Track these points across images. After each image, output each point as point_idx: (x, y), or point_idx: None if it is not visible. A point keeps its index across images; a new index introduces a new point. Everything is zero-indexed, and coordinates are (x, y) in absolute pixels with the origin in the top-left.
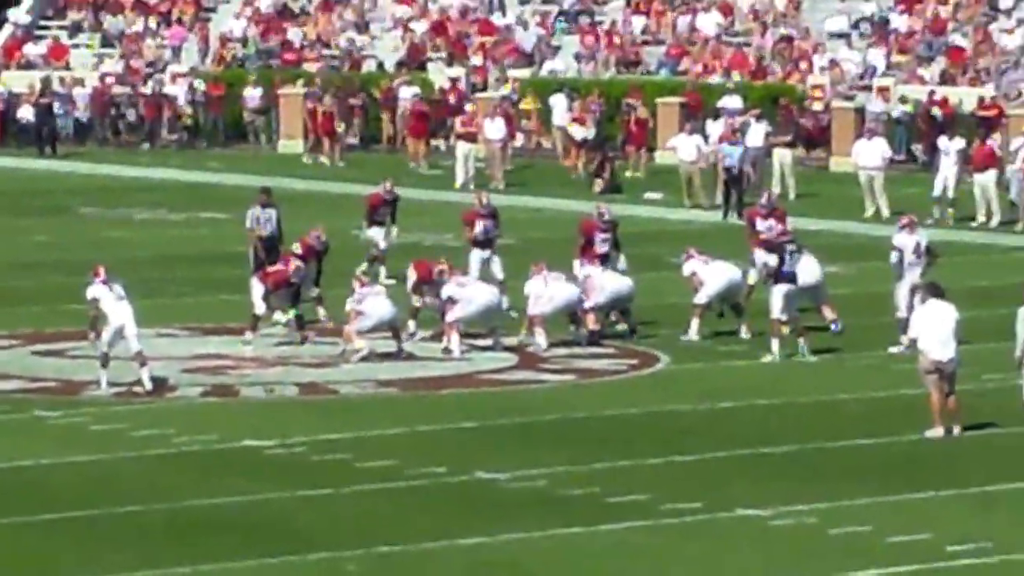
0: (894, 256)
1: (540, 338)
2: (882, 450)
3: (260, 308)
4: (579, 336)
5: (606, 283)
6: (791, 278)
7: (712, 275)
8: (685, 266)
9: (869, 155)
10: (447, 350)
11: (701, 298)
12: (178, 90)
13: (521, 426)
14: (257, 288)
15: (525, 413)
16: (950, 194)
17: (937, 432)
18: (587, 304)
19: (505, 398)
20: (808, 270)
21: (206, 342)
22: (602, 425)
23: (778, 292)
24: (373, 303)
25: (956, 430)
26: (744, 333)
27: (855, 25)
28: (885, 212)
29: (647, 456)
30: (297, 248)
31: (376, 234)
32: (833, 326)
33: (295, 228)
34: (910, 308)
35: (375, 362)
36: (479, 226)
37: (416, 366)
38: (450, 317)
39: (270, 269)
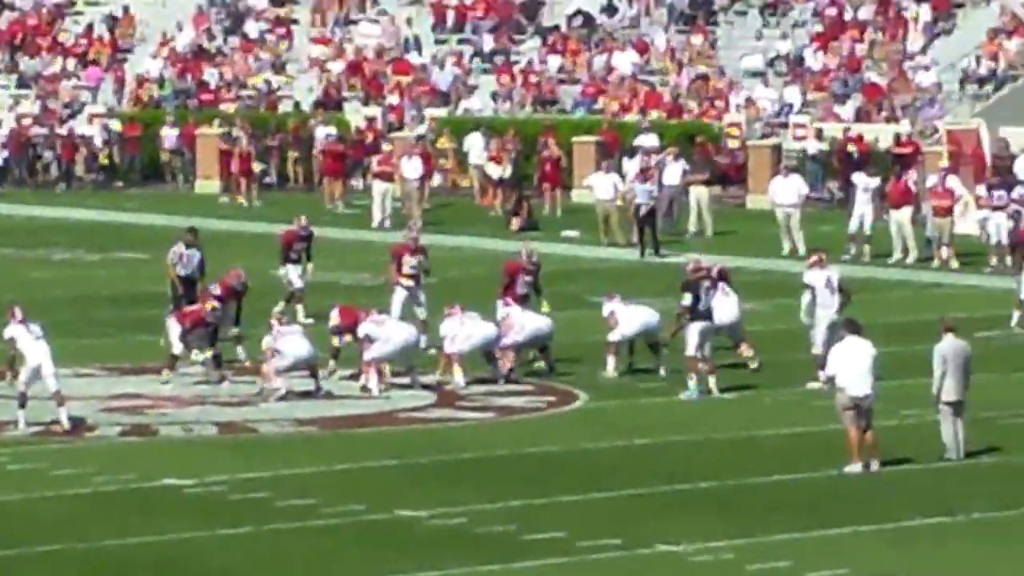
0: (807, 295)
1: (458, 376)
2: (800, 486)
3: (177, 348)
4: (496, 374)
5: (526, 322)
6: (707, 315)
7: (629, 317)
8: (605, 306)
9: (785, 193)
10: (365, 388)
11: (615, 336)
12: (95, 131)
13: (440, 464)
14: (174, 328)
15: (444, 451)
16: (866, 231)
17: (855, 468)
18: (504, 342)
19: (424, 436)
20: (726, 308)
21: (124, 382)
22: (520, 462)
23: (694, 329)
24: (290, 342)
25: (874, 465)
26: (662, 371)
27: (770, 63)
28: (801, 249)
29: (565, 493)
30: (216, 289)
31: (292, 272)
32: (751, 363)
33: (213, 268)
34: (826, 344)
35: (293, 401)
36: (410, 260)
37: (335, 404)
38: (368, 356)
39: (187, 309)
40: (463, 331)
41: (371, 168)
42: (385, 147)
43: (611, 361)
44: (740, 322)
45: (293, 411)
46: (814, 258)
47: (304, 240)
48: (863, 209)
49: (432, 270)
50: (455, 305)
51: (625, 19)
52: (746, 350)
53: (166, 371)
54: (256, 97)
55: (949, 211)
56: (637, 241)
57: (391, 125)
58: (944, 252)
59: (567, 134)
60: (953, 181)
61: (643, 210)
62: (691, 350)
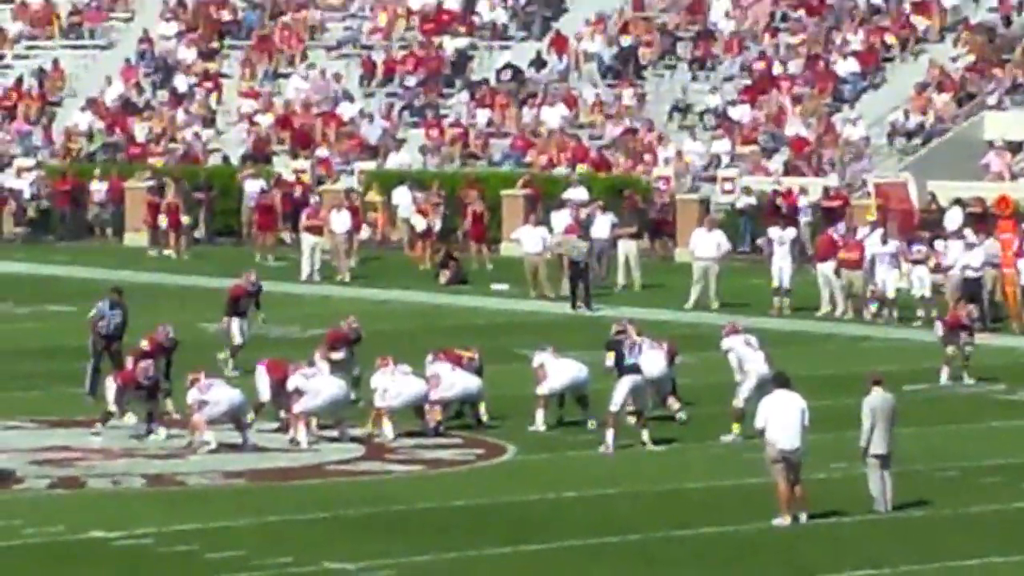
0: (731, 358)
1: (387, 430)
2: (728, 538)
3: (113, 407)
4: (425, 428)
5: (456, 380)
6: (635, 369)
7: (558, 370)
8: (536, 357)
9: (706, 246)
10: (294, 441)
11: (544, 389)
12: (23, 184)
13: (369, 516)
14: (111, 387)
15: (372, 503)
16: (786, 284)
17: (784, 520)
18: (432, 397)
19: (352, 488)
20: (652, 362)
21: (53, 434)
22: (449, 515)
23: (621, 385)
24: (219, 391)
25: (803, 518)
26: (590, 425)
27: (699, 117)
28: (715, 304)
29: (494, 546)
30: (145, 345)
31: (235, 326)
32: (679, 416)
33: (143, 322)
34: (748, 401)
35: (222, 453)
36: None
37: (263, 457)
38: (297, 408)
39: (124, 371)
40: (394, 387)
41: (300, 221)
42: (313, 200)
43: (540, 415)
44: (667, 376)
45: (222, 463)
46: (727, 327)
47: (252, 296)
48: (781, 262)
49: (361, 324)
50: (387, 358)
51: (554, 73)
52: (673, 403)
53: (98, 424)
54: (185, 151)
55: (858, 264)
56: (569, 294)
57: (320, 178)
58: (844, 305)
59: (495, 187)
60: (868, 236)
61: (578, 265)
62: (615, 406)
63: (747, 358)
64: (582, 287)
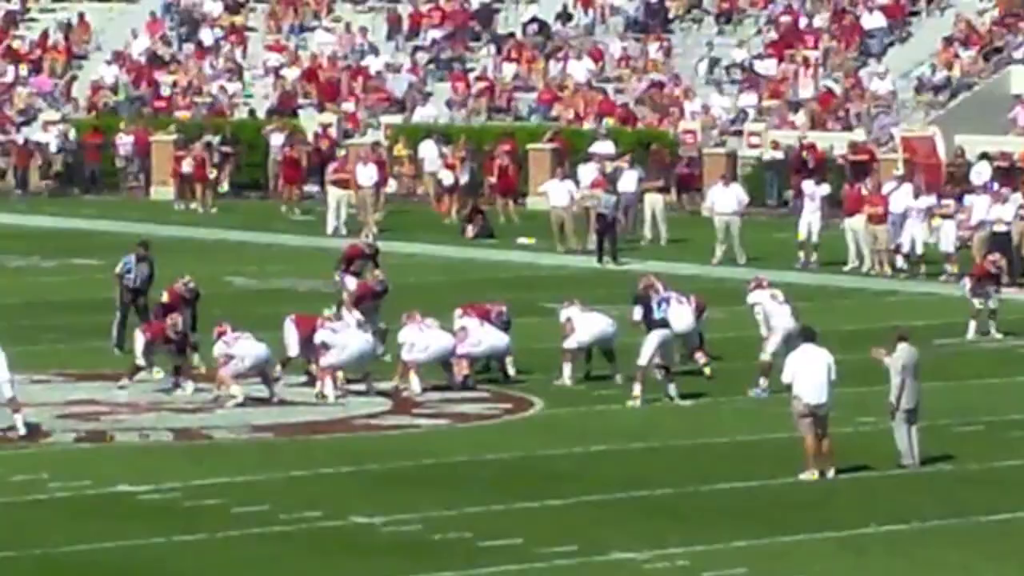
0: (759, 312)
1: (414, 383)
2: (756, 493)
3: (141, 360)
4: (451, 381)
5: (484, 336)
6: (663, 323)
7: (585, 324)
8: (562, 312)
9: (725, 201)
10: (322, 395)
11: (571, 343)
12: (49, 138)
13: (395, 470)
14: (139, 340)
15: (399, 457)
16: (814, 238)
17: (811, 475)
18: (460, 351)
19: (379, 443)
20: (680, 317)
21: (79, 388)
22: (476, 469)
23: (650, 339)
24: (245, 345)
25: (830, 473)
26: (618, 379)
27: (726, 71)
28: (741, 258)
29: (521, 500)
30: (164, 297)
31: (348, 283)
32: (706, 370)
33: (169, 275)
34: (776, 353)
35: (249, 407)
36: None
37: (290, 411)
38: (324, 363)
39: (152, 323)
40: (421, 340)
41: (326, 175)
42: (339, 154)
43: (567, 368)
44: (695, 330)
45: (248, 418)
46: (752, 282)
47: (368, 257)
48: (811, 217)
49: (387, 277)
50: (413, 312)
51: (580, 27)
52: (700, 357)
53: (125, 378)
54: (211, 104)
55: (883, 219)
56: (596, 248)
57: (346, 132)
58: (873, 259)
59: (522, 142)
60: (894, 190)
61: (605, 219)
62: (643, 359)
63: (773, 313)
64: (608, 241)
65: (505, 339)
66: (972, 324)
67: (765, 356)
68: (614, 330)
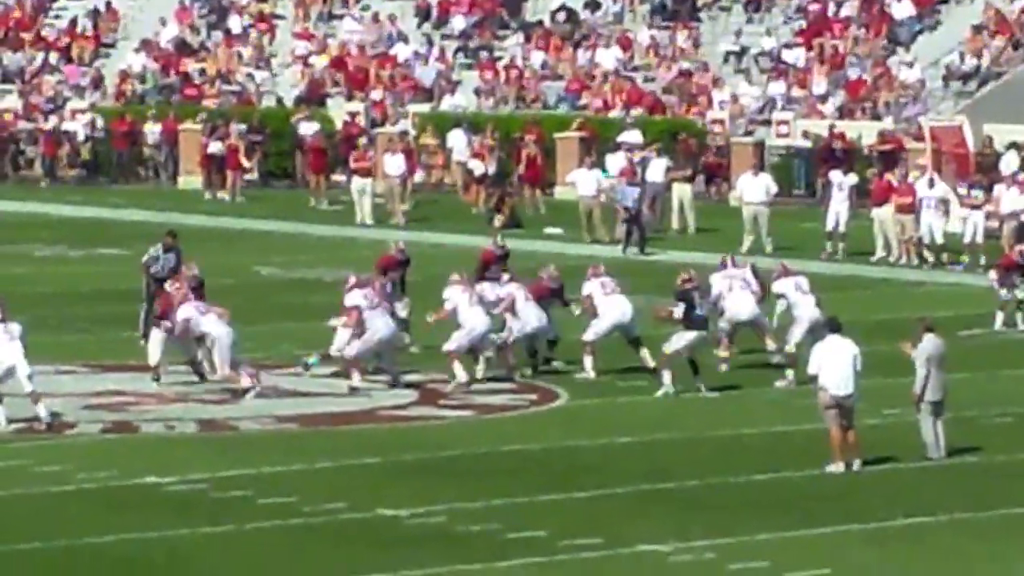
0: (781, 303)
1: (460, 373)
2: (782, 485)
3: (154, 359)
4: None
5: (530, 316)
6: (703, 323)
7: (604, 308)
8: (585, 284)
9: (753, 190)
10: (355, 389)
11: (589, 335)
12: (77, 126)
13: (421, 462)
14: (156, 339)
15: (425, 449)
16: (841, 228)
17: (837, 467)
18: (510, 337)
19: (405, 434)
20: (746, 303)
21: (106, 379)
22: (501, 461)
23: (687, 334)
24: (374, 319)
25: (856, 465)
26: (648, 362)
27: (754, 59)
28: (768, 248)
29: (546, 492)
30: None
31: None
32: (774, 357)
33: (196, 264)
34: (800, 345)
35: (274, 398)
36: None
37: (316, 402)
38: (350, 354)
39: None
40: (468, 320)
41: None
42: (361, 142)
43: (588, 361)
44: (760, 316)
45: (274, 408)
46: (777, 270)
47: (402, 265)
48: (839, 207)
49: (415, 268)
50: (463, 276)
51: (608, 15)
52: (771, 343)
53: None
54: (239, 93)
55: (910, 208)
56: (622, 239)
57: (374, 121)
58: (900, 250)
59: (550, 130)
60: (919, 180)
61: (630, 210)
62: (670, 348)
63: (798, 303)
64: (637, 232)
65: (544, 318)
66: (1000, 315)
67: (790, 348)
68: (633, 315)
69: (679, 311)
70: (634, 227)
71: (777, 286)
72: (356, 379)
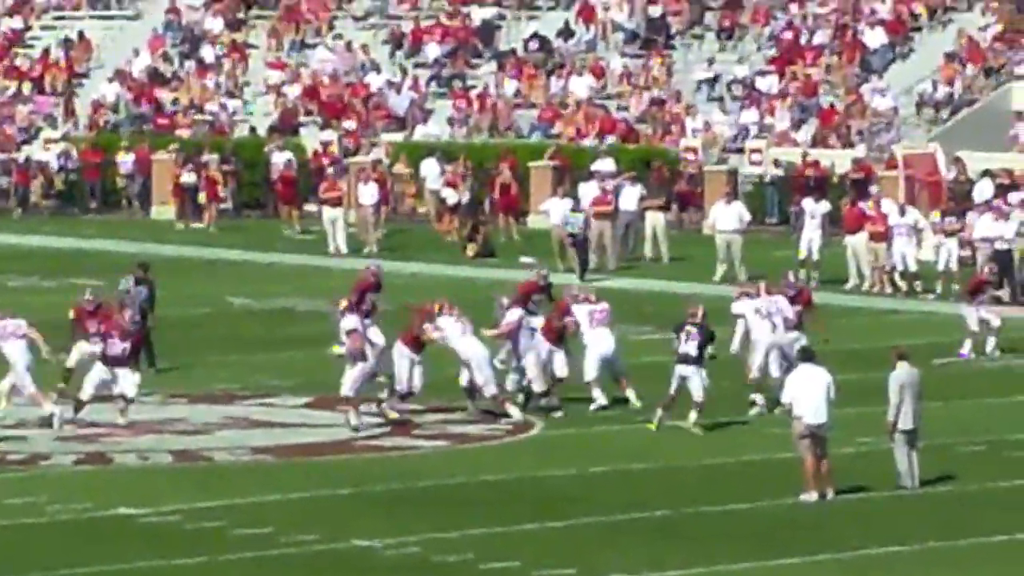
0: (740, 325)
1: (514, 412)
2: (756, 514)
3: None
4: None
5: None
6: (684, 358)
7: (591, 342)
8: (575, 308)
9: (727, 219)
10: (356, 428)
11: (590, 374)
12: (50, 156)
13: (396, 492)
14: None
15: (400, 479)
16: (814, 256)
17: (811, 496)
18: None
19: (379, 464)
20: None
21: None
22: (476, 491)
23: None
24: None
25: (829, 494)
26: (634, 400)
27: (727, 87)
28: (742, 276)
29: (521, 522)
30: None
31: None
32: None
33: (169, 295)
34: (762, 369)
35: (248, 429)
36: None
37: (289, 433)
38: (346, 391)
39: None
40: (475, 353)
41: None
42: (330, 172)
43: (597, 392)
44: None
45: (248, 439)
46: (737, 291)
47: (378, 289)
48: (811, 235)
49: (388, 297)
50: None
51: (581, 43)
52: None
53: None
54: (212, 122)
55: (883, 236)
56: (578, 267)
57: (347, 150)
58: (873, 278)
59: (523, 159)
60: (888, 206)
61: (576, 237)
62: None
63: (755, 326)
64: (579, 258)
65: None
66: (967, 342)
67: (753, 373)
68: (615, 351)
69: (677, 344)
70: (578, 252)
71: (736, 307)
72: (353, 417)
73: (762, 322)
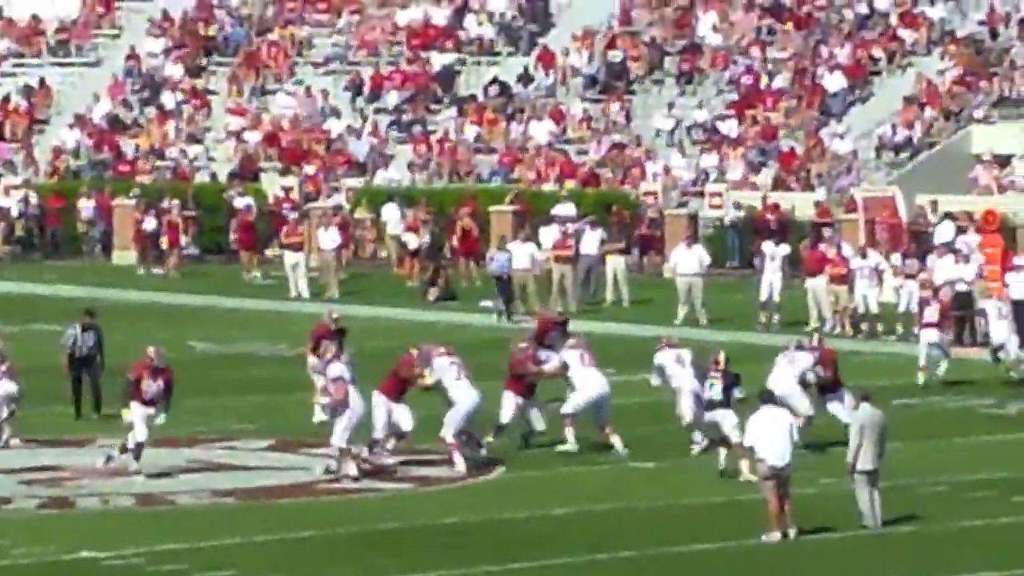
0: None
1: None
2: (719, 555)
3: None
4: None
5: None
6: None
7: (583, 383)
8: (566, 352)
9: (687, 262)
10: (350, 477)
11: (569, 408)
12: (11, 202)
13: (360, 535)
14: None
15: (364, 522)
16: (775, 299)
17: (774, 536)
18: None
19: (343, 507)
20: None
21: (42, 454)
22: (439, 533)
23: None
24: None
25: (792, 534)
26: (620, 448)
27: (687, 132)
28: (703, 319)
29: (484, 563)
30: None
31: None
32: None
33: (130, 340)
34: (693, 408)
35: (210, 472)
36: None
37: (252, 476)
38: (337, 442)
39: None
40: (466, 399)
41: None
42: (291, 217)
43: (570, 433)
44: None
45: (211, 482)
46: (663, 342)
47: (337, 334)
48: (772, 277)
49: (349, 341)
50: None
51: (541, 88)
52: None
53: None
54: (173, 168)
55: (844, 279)
56: (504, 308)
57: (308, 195)
58: (834, 320)
59: (484, 204)
60: (846, 249)
61: (501, 279)
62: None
63: (675, 375)
64: (503, 298)
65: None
66: (920, 375)
67: (686, 420)
68: (607, 394)
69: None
70: (501, 292)
71: (658, 357)
72: (351, 468)
73: (683, 371)
